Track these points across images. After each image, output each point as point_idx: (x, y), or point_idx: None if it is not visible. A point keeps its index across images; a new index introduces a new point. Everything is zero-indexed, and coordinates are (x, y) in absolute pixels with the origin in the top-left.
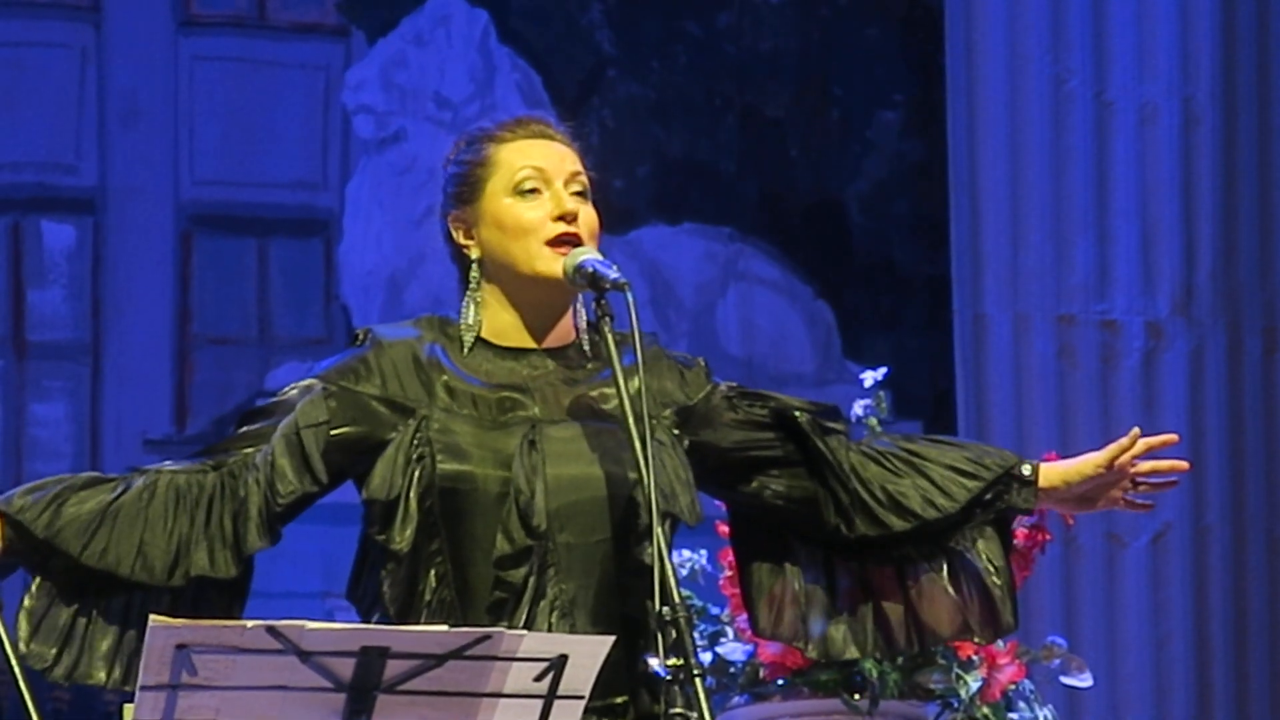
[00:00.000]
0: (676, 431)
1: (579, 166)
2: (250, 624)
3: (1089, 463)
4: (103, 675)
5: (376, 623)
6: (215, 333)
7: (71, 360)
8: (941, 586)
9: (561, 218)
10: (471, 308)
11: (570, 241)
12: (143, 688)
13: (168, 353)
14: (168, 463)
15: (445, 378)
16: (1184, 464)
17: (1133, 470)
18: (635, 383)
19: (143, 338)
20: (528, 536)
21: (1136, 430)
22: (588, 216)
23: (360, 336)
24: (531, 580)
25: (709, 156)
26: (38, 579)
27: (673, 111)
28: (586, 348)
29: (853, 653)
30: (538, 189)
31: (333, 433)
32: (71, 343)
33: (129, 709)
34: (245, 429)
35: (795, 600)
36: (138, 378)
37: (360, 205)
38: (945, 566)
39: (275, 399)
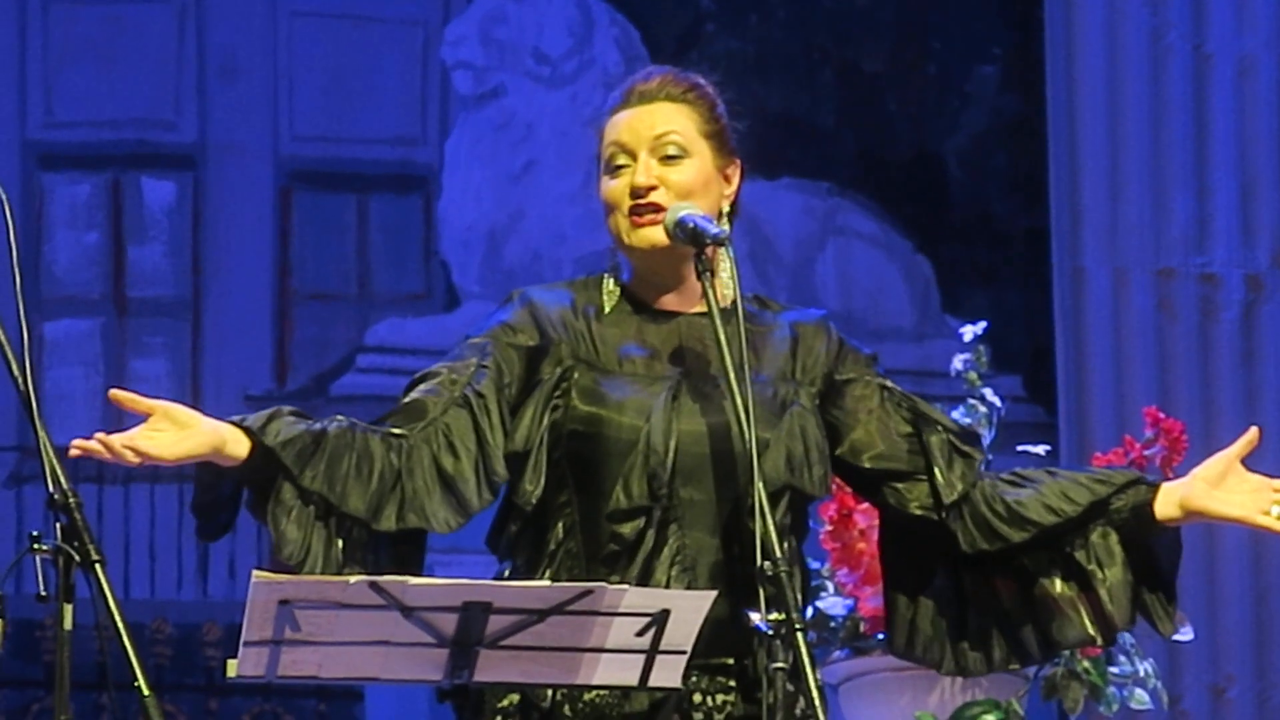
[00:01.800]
0: (819, 401)
1: (671, 125)
2: (353, 579)
3: (1212, 472)
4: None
5: (507, 574)
6: (315, 289)
7: (172, 316)
8: (1059, 594)
9: (635, 191)
10: (614, 272)
11: (647, 212)
12: (245, 643)
13: (267, 309)
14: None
15: (594, 334)
16: None
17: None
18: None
19: (242, 294)
20: (649, 495)
21: (1254, 431)
22: (678, 179)
23: (511, 297)
24: (650, 534)
25: (807, 112)
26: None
27: (770, 66)
28: (730, 307)
29: (984, 670)
30: (624, 164)
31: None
32: (172, 299)
33: (232, 664)
34: (417, 396)
35: (931, 621)
36: (238, 334)
37: (459, 161)
38: (1063, 574)
39: (438, 366)
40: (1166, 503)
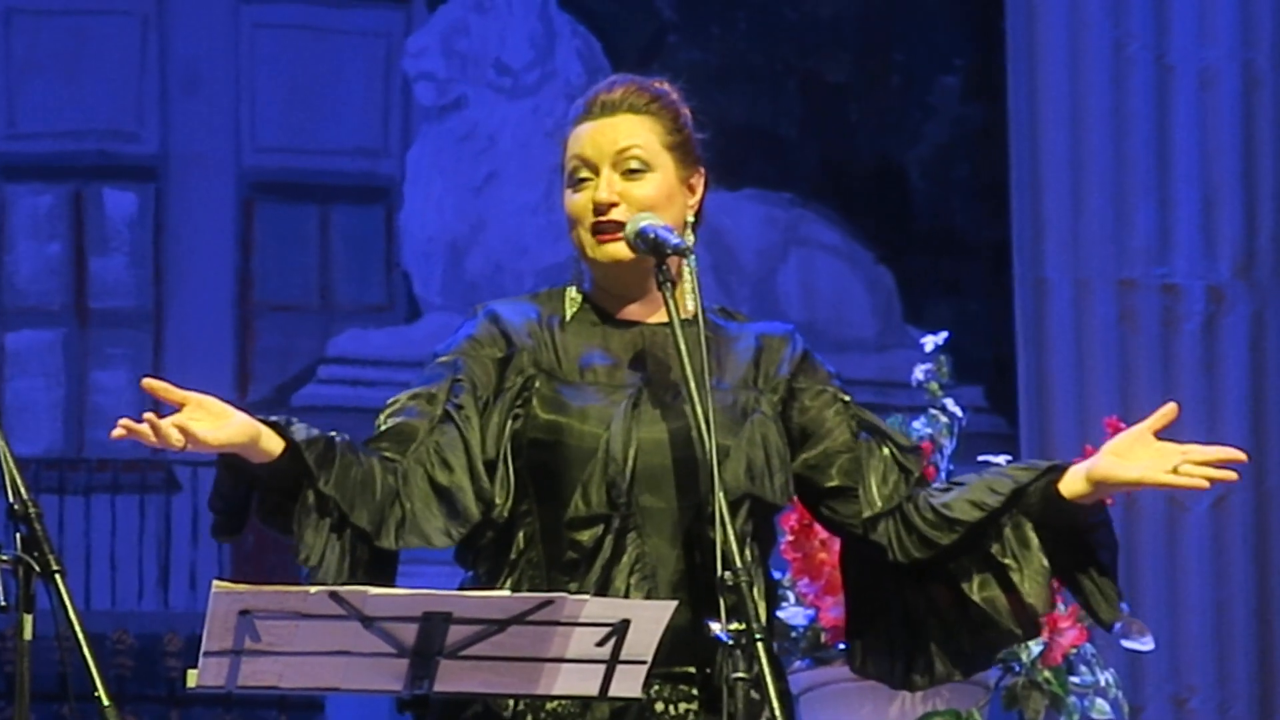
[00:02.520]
0: (781, 409)
1: (634, 138)
2: (313, 590)
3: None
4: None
5: (468, 584)
6: (277, 300)
7: (133, 327)
8: (983, 596)
9: (597, 207)
10: (577, 281)
11: (609, 229)
12: (206, 653)
13: (229, 320)
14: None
15: (556, 344)
16: (1240, 455)
17: (1185, 460)
18: (701, 346)
19: (204, 305)
20: (607, 503)
21: (1172, 406)
22: (640, 195)
23: (476, 311)
24: (608, 541)
25: (769, 122)
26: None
27: (733, 77)
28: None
29: (928, 684)
30: (586, 178)
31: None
32: (133, 310)
33: (192, 674)
34: (401, 420)
35: (881, 636)
36: (199, 345)
37: (421, 172)
38: (985, 573)
39: (409, 390)
40: (1073, 480)
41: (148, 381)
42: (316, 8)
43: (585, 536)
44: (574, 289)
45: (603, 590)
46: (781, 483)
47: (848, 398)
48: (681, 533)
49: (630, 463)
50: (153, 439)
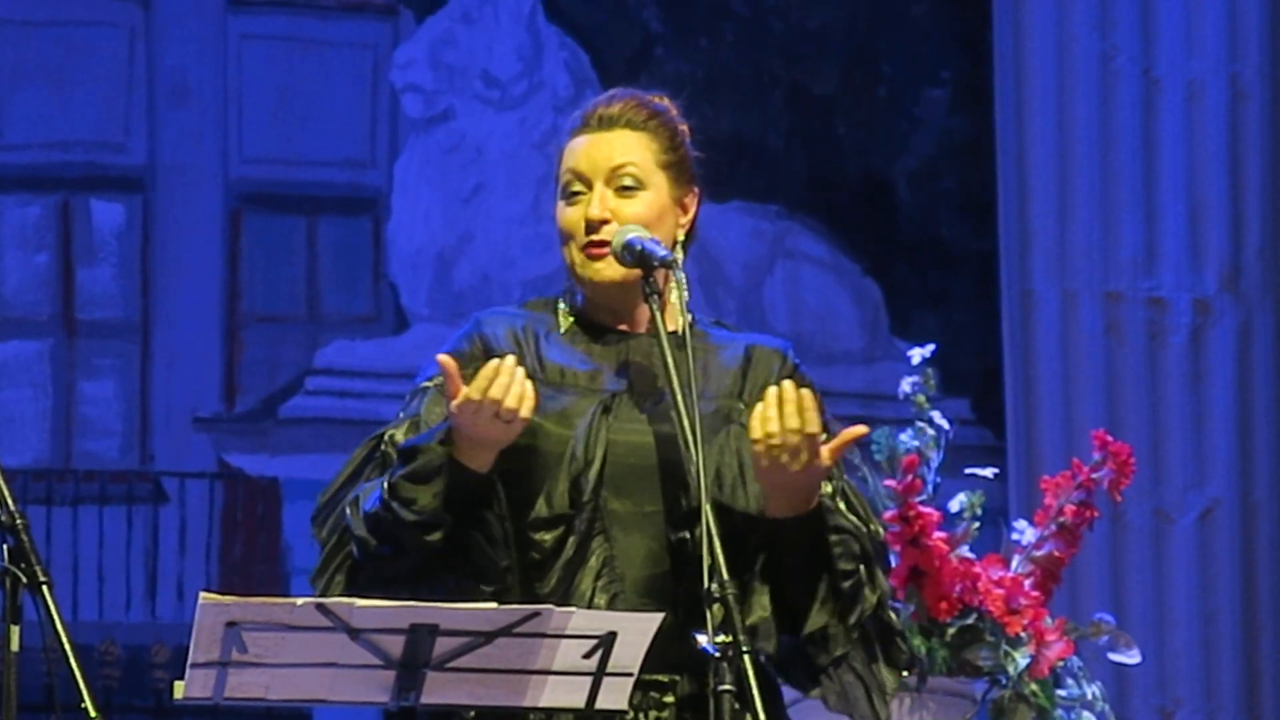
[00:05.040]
0: None
1: (629, 155)
2: (300, 601)
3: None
4: None
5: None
6: (264, 311)
7: (121, 339)
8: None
9: (589, 224)
10: (569, 297)
11: (600, 246)
12: (193, 665)
13: (217, 331)
14: None
15: (539, 350)
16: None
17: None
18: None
19: (191, 316)
20: (569, 504)
21: (862, 429)
22: (631, 213)
23: (466, 323)
24: (570, 541)
25: (756, 134)
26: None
27: (720, 89)
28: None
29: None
30: (580, 192)
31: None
32: (121, 321)
33: (179, 685)
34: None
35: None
36: (187, 356)
37: (408, 184)
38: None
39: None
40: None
41: (442, 358)
42: (304, 19)
43: (548, 537)
44: (565, 304)
45: (567, 592)
46: (755, 491)
47: (825, 422)
48: (652, 539)
49: (598, 464)
50: (500, 392)
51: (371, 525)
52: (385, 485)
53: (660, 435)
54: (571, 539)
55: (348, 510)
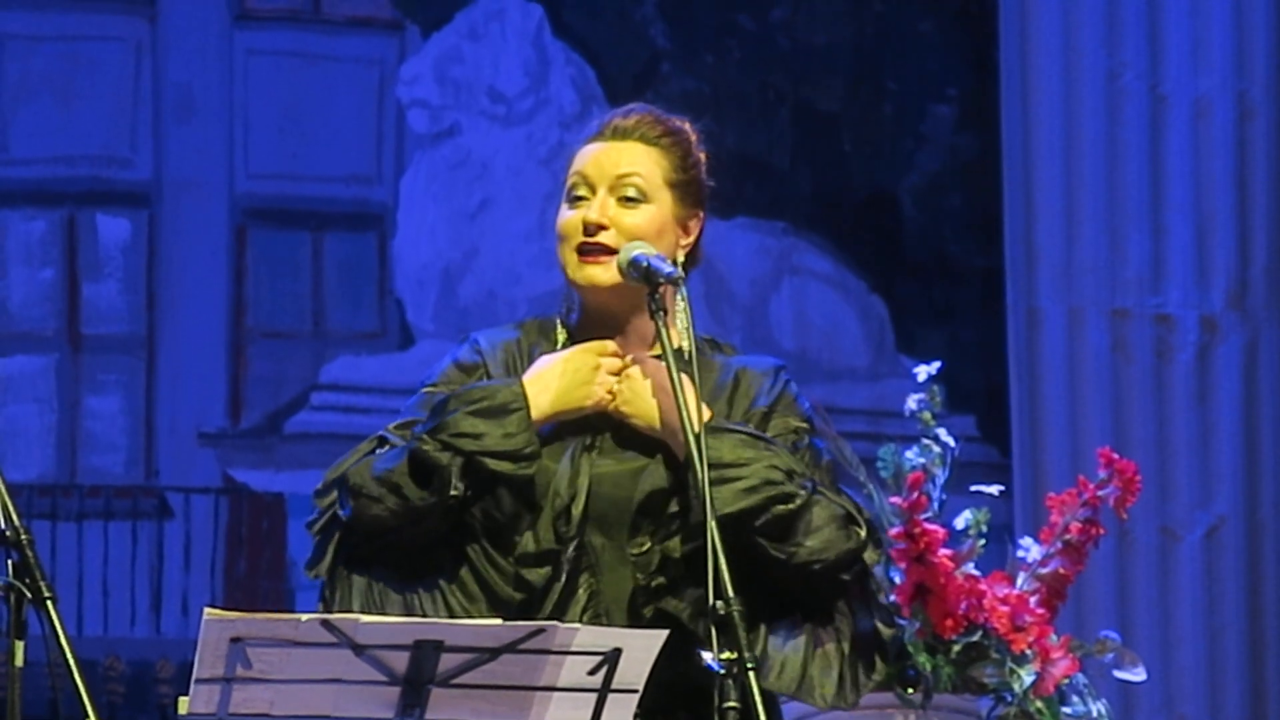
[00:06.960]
0: None
1: (636, 167)
2: (305, 617)
3: None
4: None
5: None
6: (269, 327)
7: (126, 354)
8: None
9: (586, 227)
10: (566, 309)
11: (594, 252)
12: (197, 680)
13: (222, 346)
14: None
15: None
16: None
17: None
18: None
19: (197, 331)
20: (555, 540)
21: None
22: (630, 223)
23: (463, 340)
24: (560, 580)
25: (762, 151)
26: None
27: (726, 105)
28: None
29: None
30: (583, 196)
31: None
32: (126, 336)
33: (184, 701)
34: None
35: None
36: (192, 371)
37: (414, 199)
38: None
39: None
40: None
41: (606, 345)
42: (310, 34)
43: (536, 576)
44: (561, 325)
45: None
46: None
47: (809, 441)
48: (630, 567)
49: (581, 499)
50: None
51: (391, 479)
52: (435, 424)
53: (649, 460)
54: (562, 574)
55: (358, 473)
